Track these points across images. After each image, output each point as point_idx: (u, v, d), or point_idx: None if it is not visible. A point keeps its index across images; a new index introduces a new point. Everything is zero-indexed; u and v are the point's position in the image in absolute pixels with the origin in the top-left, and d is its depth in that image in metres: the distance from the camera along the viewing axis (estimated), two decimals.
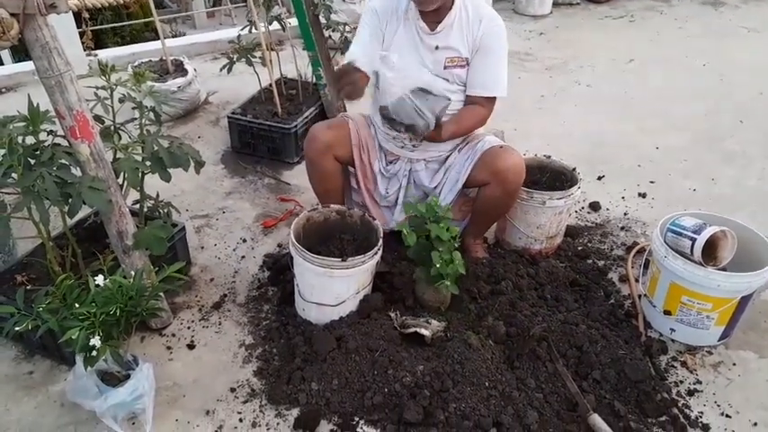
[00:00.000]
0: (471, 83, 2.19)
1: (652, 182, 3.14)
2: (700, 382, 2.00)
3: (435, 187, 2.37)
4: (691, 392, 1.96)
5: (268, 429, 1.81)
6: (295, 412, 1.85)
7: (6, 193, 1.73)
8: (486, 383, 1.86)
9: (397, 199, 2.44)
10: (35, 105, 1.69)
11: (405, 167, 2.39)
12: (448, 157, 2.35)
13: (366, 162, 2.37)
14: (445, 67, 2.16)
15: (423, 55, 2.17)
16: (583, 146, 3.46)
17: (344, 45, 3.34)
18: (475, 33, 2.12)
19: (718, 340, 2.13)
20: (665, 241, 2.12)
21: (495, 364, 1.93)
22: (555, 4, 5.89)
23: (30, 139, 1.72)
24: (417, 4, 2.08)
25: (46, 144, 1.73)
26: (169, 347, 2.09)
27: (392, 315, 2.09)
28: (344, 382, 1.88)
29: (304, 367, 1.93)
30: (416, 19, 2.14)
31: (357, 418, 1.83)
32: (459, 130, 2.22)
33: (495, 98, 2.21)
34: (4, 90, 4.05)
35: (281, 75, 3.57)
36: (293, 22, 3.47)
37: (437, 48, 2.15)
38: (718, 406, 1.92)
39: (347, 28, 3.43)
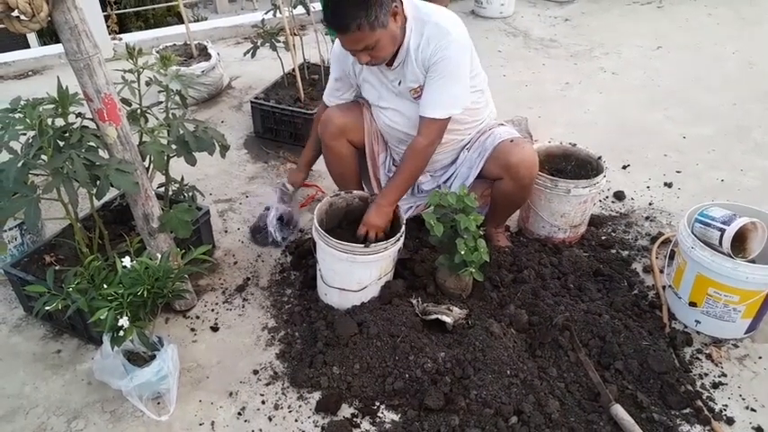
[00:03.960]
0: (420, 103, 2.07)
1: (678, 172, 3.09)
2: (725, 375, 1.97)
3: (445, 182, 2.36)
4: (715, 385, 1.93)
5: (290, 411, 1.83)
6: (317, 395, 1.86)
7: (36, 175, 1.75)
8: (508, 371, 1.86)
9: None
10: (64, 88, 1.71)
11: None
12: (456, 158, 2.33)
13: (377, 152, 2.36)
14: (414, 98, 2.11)
15: (392, 87, 2.14)
16: (607, 134, 3.41)
17: None
18: (426, 56, 1.99)
19: (745, 333, 2.10)
20: (692, 232, 2.08)
21: (516, 353, 1.93)
22: None
23: (59, 122, 1.74)
24: (368, 65, 2.04)
25: (75, 126, 1.75)
26: (193, 329, 2.12)
27: (414, 301, 2.08)
28: (366, 367, 1.89)
29: (326, 351, 1.94)
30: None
31: (378, 403, 1.84)
32: (406, 180, 2.13)
33: (437, 120, 2.03)
34: (30, 73, 4.10)
35: (304, 60, 3.56)
36: (317, 6, 3.45)
37: (399, 83, 2.11)
38: (743, 399, 1.90)
39: None
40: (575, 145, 2.60)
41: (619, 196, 2.88)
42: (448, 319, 1.99)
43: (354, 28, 1.82)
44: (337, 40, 2.17)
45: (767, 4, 5.61)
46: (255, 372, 1.96)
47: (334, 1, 1.84)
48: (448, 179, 2.36)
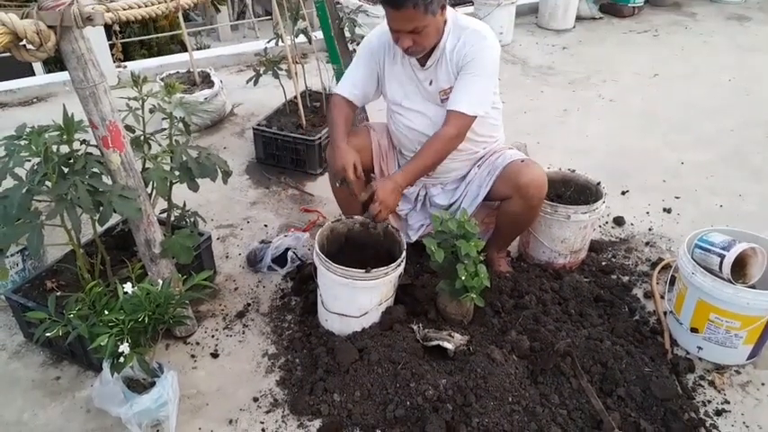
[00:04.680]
0: (449, 99, 2.12)
1: (677, 197, 3.10)
2: (728, 402, 1.96)
3: (453, 203, 2.37)
4: (719, 412, 1.92)
5: None
6: (317, 423, 1.85)
7: (38, 201, 1.76)
8: (510, 398, 1.84)
9: (407, 217, 2.45)
10: (70, 115, 1.73)
11: (421, 192, 2.41)
12: (467, 173, 2.35)
13: (386, 172, 2.38)
14: (441, 101, 2.15)
15: (421, 88, 2.18)
16: (606, 160, 3.44)
17: None
18: (460, 57, 2.06)
19: (747, 359, 2.09)
20: (692, 257, 2.09)
21: (518, 379, 1.92)
22: (578, 19, 5.89)
23: (63, 148, 1.76)
24: (404, 53, 2.06)
25: (79, 153, 1.77)
26: (193, 356, 2.11)
27: (415, 327, 2.08)
28: (366, 394, 1.88)
29: (326, 378, 1.93)
30: (408, 56, 2.12)
31: (379, 431, 1.82)
32: (426, 166, 2.12)
33: (464, 115, 2.06)
34: (35, 100, 4.15)
35: (306, 87, 3.61)
36: (319, 35, 3.51)
37: (431, 83, 2.14)
38: (747, 427, 1.88)
39: None
40: (574, 171, 2.63)
41: (618, 222, 2.89)
42: (449, 346, 1.98)
43: (410, 5, 1.87)
44: (376, 30, 2.22)
45: (761, 32, 5.70)
46: (255, 399, 1.94)
47: None
48: (456, 200, 2.37)
